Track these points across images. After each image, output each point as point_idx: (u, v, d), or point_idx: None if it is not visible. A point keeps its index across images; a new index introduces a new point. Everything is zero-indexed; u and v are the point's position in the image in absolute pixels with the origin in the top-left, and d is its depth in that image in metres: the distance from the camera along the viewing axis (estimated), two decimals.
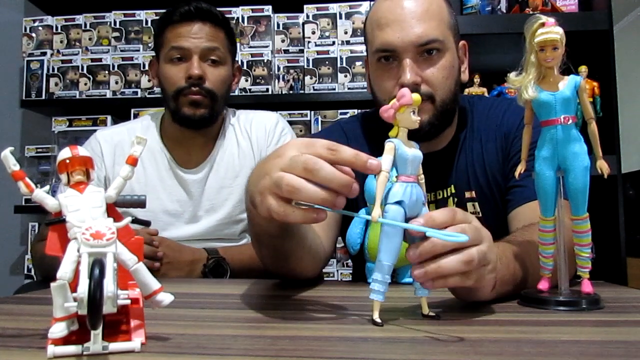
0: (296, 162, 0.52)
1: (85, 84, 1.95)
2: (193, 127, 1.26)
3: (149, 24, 1.95)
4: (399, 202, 0.52)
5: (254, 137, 1.32)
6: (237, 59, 1.82)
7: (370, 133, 1.04)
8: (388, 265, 0.52)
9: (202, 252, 1.15)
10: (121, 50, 1.96)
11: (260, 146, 1.31)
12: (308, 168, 0.51)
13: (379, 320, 0.52)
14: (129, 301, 0.42)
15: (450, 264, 0.53)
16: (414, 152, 0.54)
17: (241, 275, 1.14)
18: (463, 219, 0.55)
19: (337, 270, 1.83)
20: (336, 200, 0.51)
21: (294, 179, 0.51)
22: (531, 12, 1.62)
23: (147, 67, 1.92)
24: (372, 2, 1.01)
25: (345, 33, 1.86)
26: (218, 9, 1.29)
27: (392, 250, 0.52)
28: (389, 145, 0.53)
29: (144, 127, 1.34)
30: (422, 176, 0.56)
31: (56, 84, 1.96)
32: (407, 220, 0.53)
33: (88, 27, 1.99)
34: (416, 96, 0.54)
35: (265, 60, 1.87)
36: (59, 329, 0.39)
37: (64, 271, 0.38)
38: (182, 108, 1.23)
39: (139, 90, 1.93)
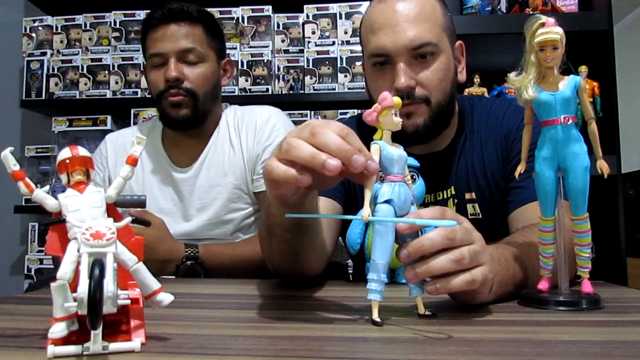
0: (306, 128, 0.53)
1: (85, 84, 1.95)
2: (179, 128, 1.27)
3: None
4: (387, 201, 0.53)
5: (243, 135, 1.30)
6: (235, 58, 1.84)
7: (368, 134, 1.04)
8: (382, 263, 0.52)
9: (180, 251, 1.13)
10: (121, 50, 1.96)
11: (249, 144, 1.28)
12: (313, 131, 0.52)
13: (378, 319, 0.52)
14: (129, 301, 0.42)
15: (440, 264, 0.53)
16: (399, 152, 0.55)
17: (219, 276, 1.13)
18: (453, 218, 0.55)
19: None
20: (326, 161, 0.50)
21: (293, 139, 0.52)
22: (531, 12, 1.62)
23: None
24: (370, 2, 1.01)
25: (345, 33, 1.86)
26: (218, 9, 1.30)
27: (386, 248, 0.52)
28: (374, 147, 0.54)
29: (149, 129, 1.37)
30: (409, 177, 0.56)
31: (56, 84, 1.96)
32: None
33: (88, 27, 1.99)
34: (397, 99, 0.55)
35: (265, 60, 1.87)
36: (59, 329, 0.39)
37: (64, 271, 0.38)
38: (165, 110, 1.24)
39: (139, 90, 1.93)
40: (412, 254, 0.53)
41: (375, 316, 0.52)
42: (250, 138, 1.28)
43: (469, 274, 0.54)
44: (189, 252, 1.14)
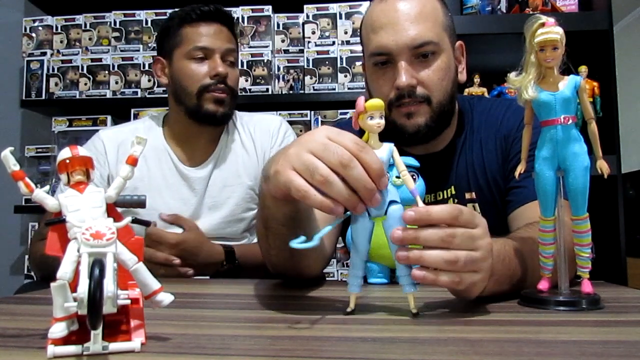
0: (331, 152, 0.53)
1: (85, 84, 1.95)
2: (214, 123, 1.28)
3: (149, 24, 1.95)
4: None
5: (257, 139, 1.34)
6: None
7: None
8: (358, 260, 0.57)
9: (220, 254, 1.16)
10: (121, 50, 1.96)
11: (264, 147, 1.33)
12: (343, 163, 0.52)
13: (349, 310, 0.56)
14: (129, 301, 0.42)
15: (432, 257, 0.53)
16: (378, 153, 0.55)
17: (254, 275, 1.14)
18: (467, 221, 0.55)
19: (337, 270, 1.83)
20: (357, 205, 0.53)
21: (327, 171, 0.52)
22: (531, 12, 1.62)
23: (147, 67, 1.92)
24: (371, 2, 1.01)
25: (345, 33, 1.86)
26: None
27: (360, 245, 0.56)
28: None
29: (147, 127, 1.35)
30: (405, 171, 0.56)
31: (56, 84, 1.96)
32: (372, 217, 0.56)
33: (88, 27, 1.99)
34: (369, 102, 0.55)
35: (265, 60, 1.87)
36: (59, 329, 0.39)
37: (64, 271, 0.38)
38: (205, 105, 1.25)
39: (139, 90, 1.93)
40: (418, 220, 0.53)
41: (352, 306, 0.57)
42: (265, 142, 1.34)
43: (458, 275, 0.55)
44: (227, 254, 1.17)
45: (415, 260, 0.54)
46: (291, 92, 1.88)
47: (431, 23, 0.92)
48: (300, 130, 1.84)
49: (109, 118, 1.93)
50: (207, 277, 1.14)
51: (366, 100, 0.56)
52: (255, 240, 1.29)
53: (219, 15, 1.27)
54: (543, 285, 0.64)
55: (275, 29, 1.92)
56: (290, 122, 1.77)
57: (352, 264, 0.58)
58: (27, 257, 1.95)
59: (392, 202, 0.55)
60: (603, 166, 0.59)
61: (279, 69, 1.89)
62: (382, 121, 0.56)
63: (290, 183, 0.54)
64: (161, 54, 1.32)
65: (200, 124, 1.28)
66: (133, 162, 0.46)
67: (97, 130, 1.38)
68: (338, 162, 0.52)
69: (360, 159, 0.53)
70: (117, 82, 1.94)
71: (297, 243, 0.52)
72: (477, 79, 1.66)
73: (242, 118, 1.39)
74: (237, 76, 1.31)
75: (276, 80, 1.89)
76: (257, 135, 1.35)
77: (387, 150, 0.57)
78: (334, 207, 0.53)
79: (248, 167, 1.32)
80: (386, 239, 0.56)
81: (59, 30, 2.01)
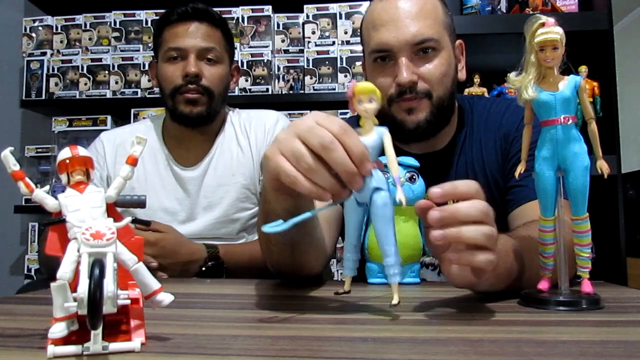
0: (314, 135, 0.53)
1: (85, 84, 1.95)
2: (190, 125, 1.27)
3: (149, 24, 1.95)
4: None
5: (252, 136, 1.32)
6: (236, 59, 1.85)
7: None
8: (349, 244, 0.58)
9: (201, 252, 1.15)
10: (121, 50, 1.96)
11: (259, 145, 1.31)
12: (324, 145, 0.52)
13: (341, 290, 0.59)
14: (129, 301, 0.42)
15: (471, 232, 0.53)
16: (366, 139, 0.55)
17: (239, 274, 1.14)
18: (483, 198, 0.56)
19: (337, 270, 1.83)
20: (341, 191, 0.53)
21: (310, 159, 0.53)
22: (531, 12, 1.62)
23: (147, 67, 1.92)
24: (371, 1, 1.01)
25: (345, 33, 1.86)
26: (218, 9, 1.31)
27: (350, 230, 0.58)
28: None
29: (147, 127, 1.36)
30: (392, 156, 0.56)
31: (56, 84, 1.97)
32: (360, 204, 0.57)
33: (88, 27, 1.99)
34: (357, 86, 0.56)
35: (265, 60, 1.87)
36: (59, 329, 0.39)
37: (64, 271, 0.38)
38: (178, 106, 1.24)
39: (139, 90, 1.93)
40: (446, 220, 0.54)
41: (344, 289, 0.59)
42: (259, 139, 1.31)
43: (492, 254, 0.55)
44: (210, 252, 1.15)
45: (454, 237, 0.53)
46: (291, 92, 1.88)
47: (431, 21, 0.93)
48: None
49: (109, 118, 1.93)
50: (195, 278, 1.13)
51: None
52: (235, 239, 1.28)
53: (197, 14, 1.25)
54: (543, 285, 0.64)
55: (275, 29, 1.92)
56: None
57: (345, 249, 0.59)
58: (27, 257, 1.95)
59: (377, 189, 0.55)
60: (603, 166, 0.59)
61: (279, 69, 1.89)
62: (370, 106, 0.56)
63: (280, 168, 0.55)
64: (155, 57, 1.33)
65: (180, 125, 1.28)
66: (133, 162, 0.46)
67: (97, 130, 1.39)
68: (319, 144, 0.52)
69: (343, 142, 0.53)
70: (117, 82, 1.94)
71: (269, 227, 0.52)
72: (477, 79, 1.66)
73: (241, 115, 1.37)
74: (217, 74, 1.26)
75: (276, 80, 1.89)
76: (252, 132, 1.32)
77: (376, 135, 0.56)
78: (322, 193, 0.53)
79: (243, 166, 1.29)
80: None
81: (59, 30, 2.01)
